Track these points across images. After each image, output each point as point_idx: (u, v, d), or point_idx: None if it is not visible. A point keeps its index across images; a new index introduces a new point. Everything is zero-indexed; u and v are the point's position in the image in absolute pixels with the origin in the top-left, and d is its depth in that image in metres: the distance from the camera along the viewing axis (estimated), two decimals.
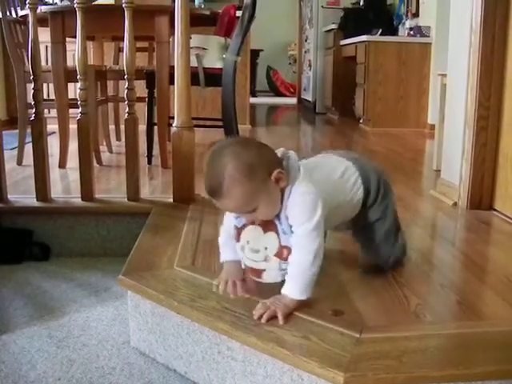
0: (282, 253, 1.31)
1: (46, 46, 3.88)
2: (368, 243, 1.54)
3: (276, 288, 1.34)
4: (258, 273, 1.36)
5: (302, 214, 1.28)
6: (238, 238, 1.37)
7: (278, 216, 1.31)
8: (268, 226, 1.33)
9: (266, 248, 1.33)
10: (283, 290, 1.31)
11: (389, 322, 1.30)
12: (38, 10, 2.60)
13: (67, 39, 3.11)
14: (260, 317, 1.27)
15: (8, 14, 3.30)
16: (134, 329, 1.60)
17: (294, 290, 1.30)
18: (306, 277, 1.29)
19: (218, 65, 3.28)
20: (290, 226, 1.30)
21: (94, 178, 2.42)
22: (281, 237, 1.31)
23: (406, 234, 1.67)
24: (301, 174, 1.31)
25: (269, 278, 1.35)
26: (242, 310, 1.33)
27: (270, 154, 1.31)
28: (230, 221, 1.40)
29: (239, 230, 1.37)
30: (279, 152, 1.34)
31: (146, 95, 3.34)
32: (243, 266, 1.40)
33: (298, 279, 1.30)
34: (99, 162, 3.28)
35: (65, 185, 2.87)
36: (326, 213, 1.32)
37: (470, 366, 1.12)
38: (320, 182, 1.34)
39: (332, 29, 6.90)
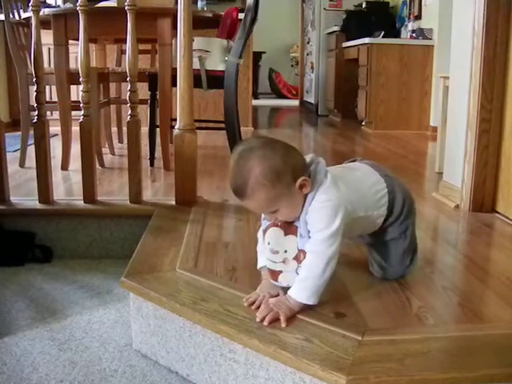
0: (300, 256, 1.32)
1: (49, 49, 3.90)
2: (381, 260, 1.51)
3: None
4: (275, 275, 1.36)
5: (320, 220, 1.29)
6: (263, 239, 1.39)
7: (298, 219, 1.32)
8: (290, 228, 1.33)
9: (285, 251, 1.33)
10: (290, 292, 1.31)
11: (391, 325, 1.30)
12: (41, 13, 2.61)
13: (70, 41, 3.12)
14: (263, 319, 1.27)
15: (11, 16, 3.31)
16: (136, 331, 1.61)
17: (302, 293, 1.30)
18: (315, 282, 1.29)
19: (221, 67, 3.28)
20: (308, 231, 1.30)
21: (96, 180, 2.42)
22: (298, 240, 1.32)
23: None
24: (327, 180, 1.31)
25: (284, 280, 1.35)
26: (245, 313, 1.33)
27: (297, 159, 1.31)
28: (263, 226, 1.41)
29: (264, 233, 1.39)
30: (308, 157, 1.35)
31: (149, 97, 3.34)
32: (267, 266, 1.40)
33: (308, 283, 1.29)
34: (101, 164, 3.28)
35: (67, 187, 2.88)
36: (346, 222, 1.32)
37: (473, 369, 1.11)
38: (345, 191, 1.34)
39: (334, 31, 6.90)
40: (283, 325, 1.26)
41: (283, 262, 1.34)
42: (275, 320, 1.27)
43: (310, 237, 1.30)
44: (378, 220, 1.44)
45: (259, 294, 1.38)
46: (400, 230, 1.47)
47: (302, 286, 1.30)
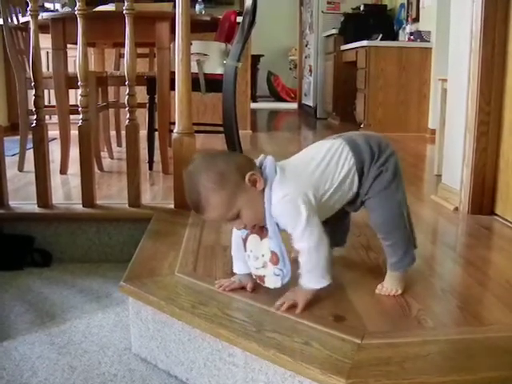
0: (272, 258, 1.36)
1: (47, 53, 3.89)
2: (372, 208, 1.45)
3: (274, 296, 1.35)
4: (261, 279, 1.41)
5: (288, 218, 1.32)
6: (245, 248, 1.43)
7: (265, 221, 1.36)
8: (263, 233, 1.37)
9: (263, 255, 1.37)
10: (300, 282, 1.35)
11: (390, 328, 1.30)
12: (39, 17, 2.60)
13: (68, 45, 3.12)
14: (280, 307, 1.33)
15: (9, 20, 3.31)
16: (135, 335, 1.60)
17: (311, 282, 1.34)
18: (317, 270, 1.33)
19: (219, 71, 3.28)
20: (279, 230, 1.34)
21: (95, 184, 2.42)
22: (269, 242, 1.35)
23: None
24: (277, 175, 1.34)
25: (269, 283, 1.40)
26: (244, 317, 1.33)
27: (240, 158, 1.38)
28: (236, 232, 1.46)
29: (244, 241, 1.42)
30: (259, 158, 1.39)
31: (147, 101, 3.34)
32: (253, 276, 1.44)
33: (311, 273, 1.34)
34: (100, 168, 3.28)
35: (66, 191, 2.87)
36: (321, 201, 1.36)
37: (472, 372, 1.11)
38: (297, 178, 1.36)
39: (332, 34, 6.90)
40: (299, 311, 1.31)
41: (263, 266, 1.38)
42: (292, 307, 1.32)
43: (279, 231, 1.34)
44: (352, 172, 1.40)
45: (231, 279, 1.49)
46: (378, 166, 1.41)
47: (307, 277, 1.34)
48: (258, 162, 1.39)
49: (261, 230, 1.37)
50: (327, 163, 1.39)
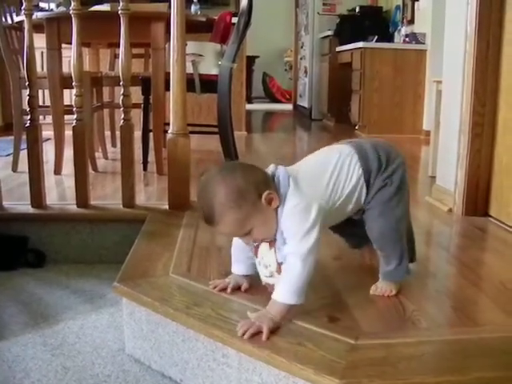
0: (280, 269, 1.32)
1: (42, 53, 3.88)
2: (369, 218, 1.42)
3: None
4: (271, 287, 1.36)
5: (292, 225, 1.29)
6: (256, 254, 1.40)
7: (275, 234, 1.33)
8: (272, 242, 1.35)
9: (269, 265, 1.36)
10: (273, 295, 1.29)
11: (384, 329, 1.30)
12: (34, 17, 2.60)
13: (63, 45, 3.11)
14: (244, 333, 1.24)
15: (4, 19, 3.30)
16: (128, 336, 1.60)
17: (285, 295, 1.27)
18: (294, 282, 1.26)
19: (214, 71, 3.28)
20: (284, 240, 1.30)
21: (89, 185, 2.41)
22: (277, 253, 1.33)
23: None
24: (290, 188, 1.31)
25: None
26: (238, 317, 1.33)
27: (258, 175, 1.32)
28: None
29: (256, 248, 1.39)
30: (270, 170, 1.35)
31: (142, 101, 3.33)
32: (263, 283, 1.41)
33: (287, 285, 1.27)
34: (94, 168, 3.27)
35: (60, 191, 2.87)
36: (328, 212, 1.32)
37: (466, 373, 1.12)
38: (310, 189, 1.33)
39: (328, 35, 6.92)
40: (264, 338, 1.22)
41: (271, 275, 1.37)
42: (257, 333, 1.23)
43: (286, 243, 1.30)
44: (364, 188, 1.38)
45: (225, 280, 1.48)
46: (383, 178, 1.39)
47: (282, 288, 1.27)
48: (269, 172, 1.34)
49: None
50: (338, 174, 1.36)
